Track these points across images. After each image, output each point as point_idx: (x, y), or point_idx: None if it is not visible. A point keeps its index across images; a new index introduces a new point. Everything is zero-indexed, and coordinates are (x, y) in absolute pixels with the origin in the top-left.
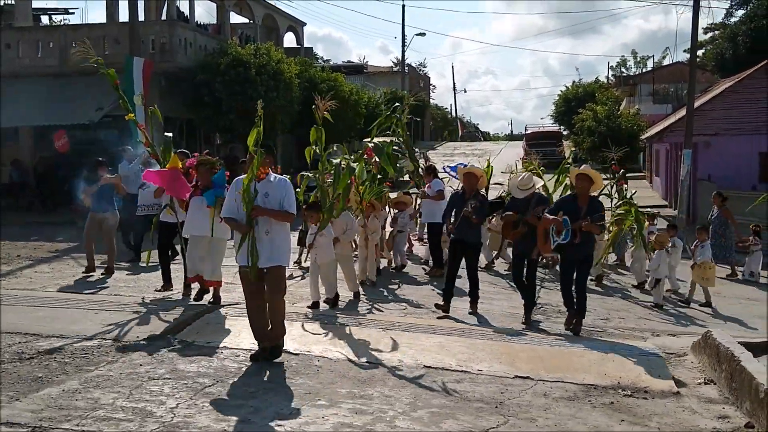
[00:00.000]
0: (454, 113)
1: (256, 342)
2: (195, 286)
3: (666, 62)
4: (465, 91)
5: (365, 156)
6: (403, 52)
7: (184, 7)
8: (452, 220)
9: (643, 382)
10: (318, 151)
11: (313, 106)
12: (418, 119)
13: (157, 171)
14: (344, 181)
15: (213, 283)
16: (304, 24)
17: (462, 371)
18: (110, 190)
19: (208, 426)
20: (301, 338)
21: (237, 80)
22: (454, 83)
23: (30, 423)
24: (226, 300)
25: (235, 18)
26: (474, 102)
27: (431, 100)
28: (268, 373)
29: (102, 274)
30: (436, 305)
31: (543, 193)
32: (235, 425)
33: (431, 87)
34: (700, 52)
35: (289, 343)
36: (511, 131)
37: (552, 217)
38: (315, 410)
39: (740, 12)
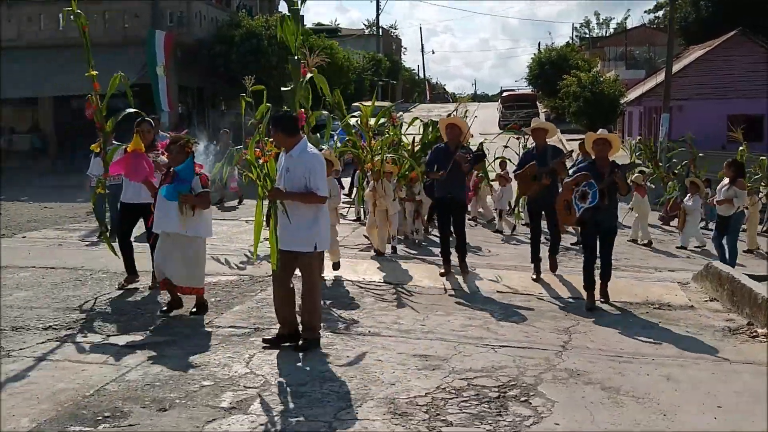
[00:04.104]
0: (422, 75)
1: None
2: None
3: (629, 24)
4: (433, 53)
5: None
6: (378, 14)
7: None
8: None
9: (665, 299)
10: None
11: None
12: (394, 81)
13: (119, 160)
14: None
15: (190, 290)
16: None
17: (527, 294)
18: None
19: (373, 326)
20: (392, 273)
21: (251, 51)
22: (422, 44)
23: (249, 326)
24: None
25: None
26: (432, 60)
27: (403, 62)
28: (384, 299)
29: None
30: (440, 274)
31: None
32: (393, 325)
33: (403, 49)
34: (660, 13)
35: (377, 276)
36: (475, 91)
37: (575, 175)
38: (438, 317)
39: None
